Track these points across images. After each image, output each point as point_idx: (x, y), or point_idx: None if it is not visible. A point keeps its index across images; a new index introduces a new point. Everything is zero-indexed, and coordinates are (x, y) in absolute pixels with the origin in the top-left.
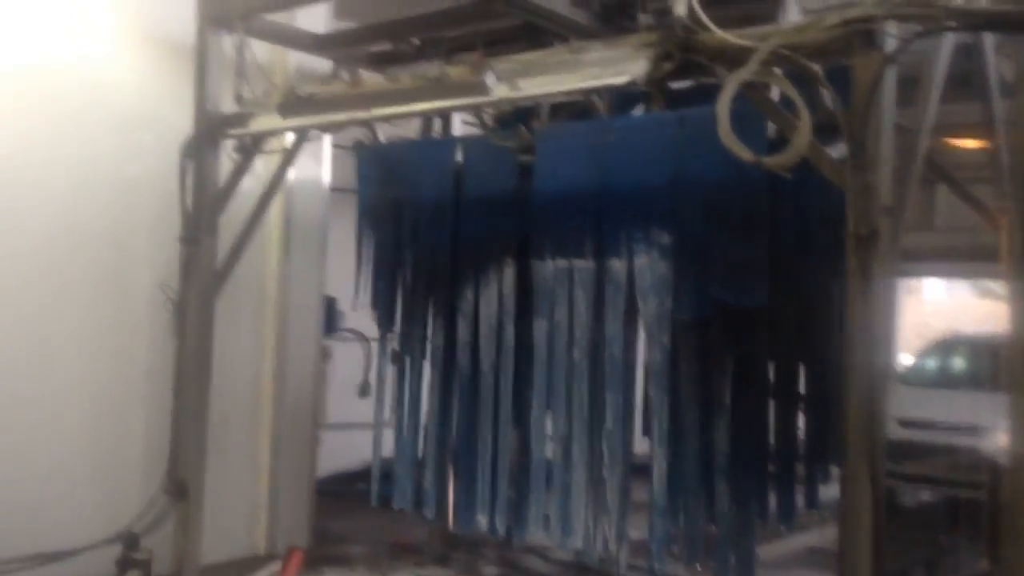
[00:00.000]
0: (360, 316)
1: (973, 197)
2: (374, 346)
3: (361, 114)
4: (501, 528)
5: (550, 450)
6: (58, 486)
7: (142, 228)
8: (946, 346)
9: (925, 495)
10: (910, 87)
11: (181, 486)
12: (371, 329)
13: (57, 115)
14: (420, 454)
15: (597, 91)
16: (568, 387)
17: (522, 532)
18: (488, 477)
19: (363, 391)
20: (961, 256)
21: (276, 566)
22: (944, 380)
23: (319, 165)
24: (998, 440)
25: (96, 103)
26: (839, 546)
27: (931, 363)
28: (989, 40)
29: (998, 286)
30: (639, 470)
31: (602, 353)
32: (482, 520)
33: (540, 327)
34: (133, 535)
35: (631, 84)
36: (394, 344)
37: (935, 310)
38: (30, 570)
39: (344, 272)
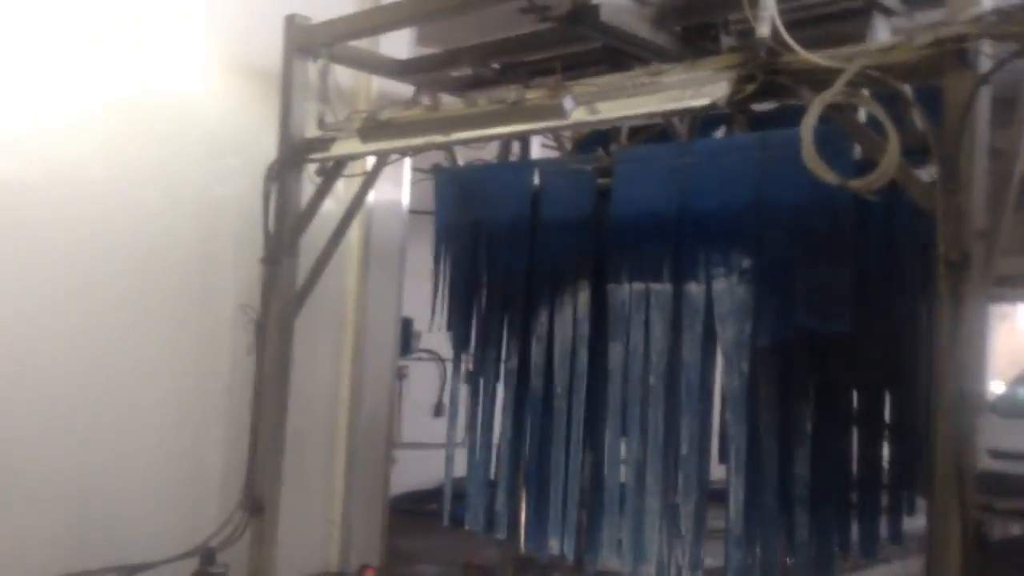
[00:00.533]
0: (436, 337)
1: None
2: (449, 367)
3: (439, 138)
4: (571, 552)
5: (624, 475)
6: (140, 500)
7: (226, 249)
8: None
9: (1017, 529)
10: (1006, 108)
11: (257, 502)
12: (446, 350)
13: (149, 140)
14: (492, 476)
15: (677, 113)
16: (643, 412)
17: (594, 557)
18: (560, 500)
19: (438, 411)
20: None
21: None
22: None
23: (398, 188)
24: None
25: (186, 129)
26: None
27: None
28: None
29: None
30: (715, 496)
31: (678, 378)
32: (554, 544)
33: (616, 351)
34: (210, 549)
35: (712, 107)
36: (469, 365)
37: None
38: None
39: (420, 293)
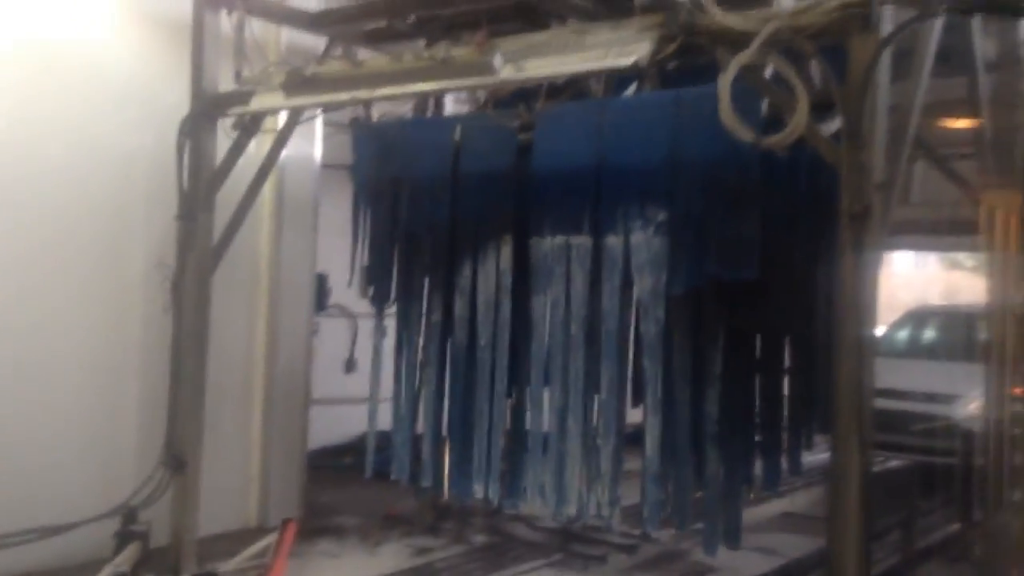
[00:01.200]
0: (345, 293)
1: (954, 173)
2: (359, 322)
3: (364, 94)
4: (496, 496)
5: (546, 421)
6: (53, 459)
7: (138, 205)
8: (916, 317)
9: (895, 462)
10: (902, 61)
11: (179, 460)
12: (357, 305)
13: (54, 90)
14: (417, 427)
15: (602, 72)
16: (565, 360)
17: (517, 500)
18: (484, 448)
19: (349, 367)
20: (935, 229)
21: (272, 537)
22: (915, 350)
23: (311, 142)
24: (968, 408)
25: (93, 79)
26: (828, 509)
27: (902, 334)
28: (976, 19)
29: (967, 258)
30: (630, 440)
31: (598, 327)
32: (478, 489)
33: (538, 302)
34: (132, 508)
35: (635, 66)
36: (391, 319)
37: (904, 282)
38: (31, 543)
39: (332, 249)
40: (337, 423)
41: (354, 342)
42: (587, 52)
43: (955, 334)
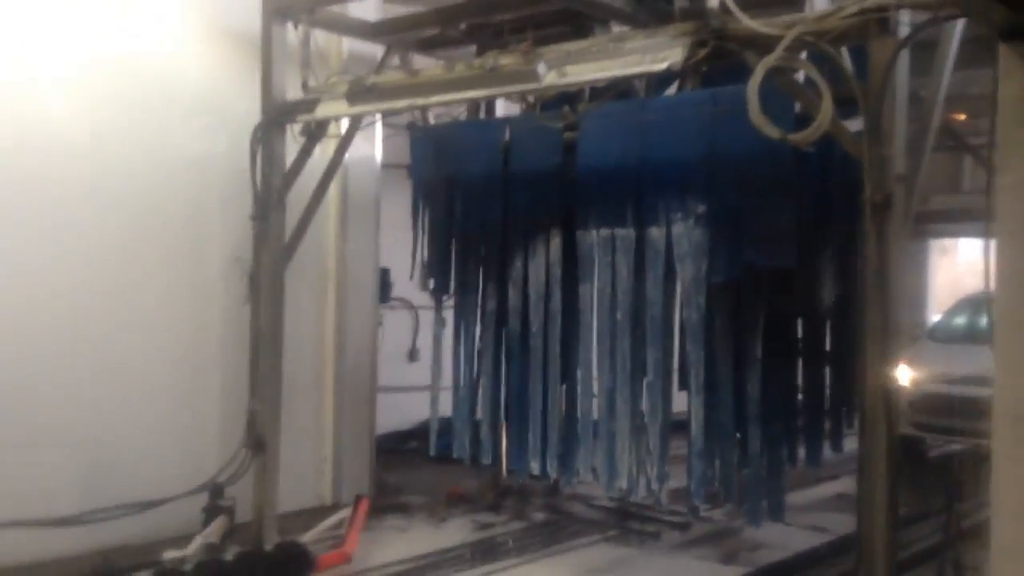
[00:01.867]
0: (406, 285)
1: (987, 160)
2: (420, 314)
3: (420, 101)
4: (553, 471)
5: (597, 402)
6: (145, 444)
7: (214, 206)
8: (972, 303)
9: (955, 446)
10: (927, 53)
11: (259, 441)
12: (418, 298)
13: (135, 102)
14: (476, 410)
15: (638, 76)
16: (612, 345)
17: (570, 477)
18: (539, 428)
19: (412, 356)
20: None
21: (346, 512)
22: (971, 335)
23: (371, 145)
24: None
25: (171, 91)
26: (858, 493)
27: (958, 320)
28: None
29: None
30: (676, 427)
31: (643, 314)
32: (535, 465)
33: (585, 291)
34: (218, 485)
35: (668, 70)
36: (450, 310)
37: (969, 270)
38: (129, 516)
39: (393, 244)
40: (401, 410)
41: (416, 333)
42: (624, 58)
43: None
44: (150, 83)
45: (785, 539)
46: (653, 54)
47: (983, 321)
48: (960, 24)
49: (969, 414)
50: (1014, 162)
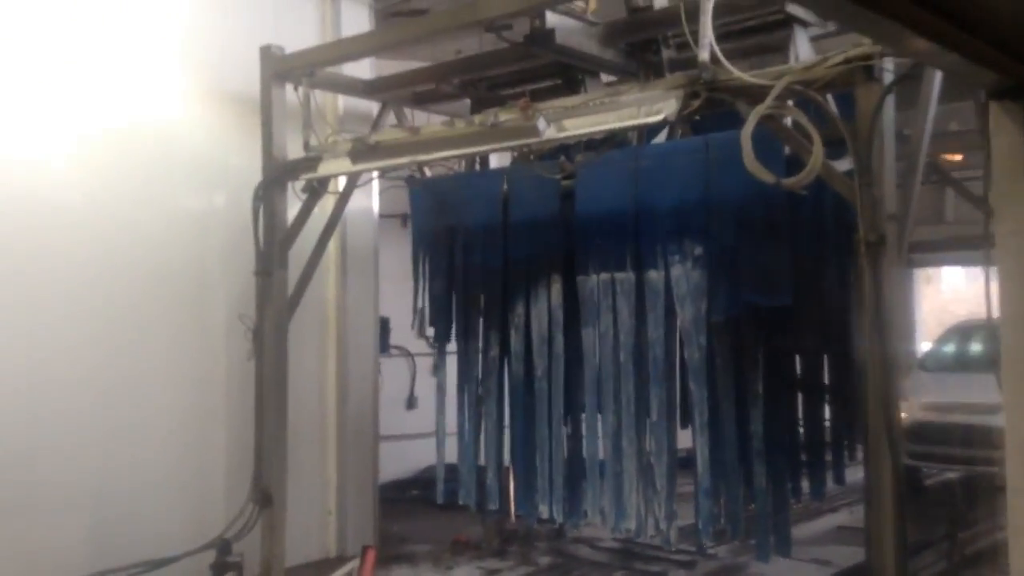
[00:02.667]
0: (404, 333)
1: (971, 193)
2: (418, 361)
3: (422, 157)
4: (560, 515)
5: (602, 444)
6: (151, 501)
7: (216, 264)
8: (962, 331)
9: (951, 474)
10: (907, 87)
11: (266, 495)
12: (415, 345)
13: (136, 166)
14: (481, 456)
15: (634, 128)
16: (616, 387)
17: (577, 521)
18: (547, 472)
19: (410, 404)
20: (974, 245)
21: (354, 564)
22: (961, 363)
23: (369, 197)
24: None
25: (171, 154)
26: (866, 522)
27: (948, 348)
28: None
29: None
30: (681, 464)
31: (645, 354)
32: (543, 510)
33: (588, 335)
34: (226, 541)
35: (664, 122)
36: (452, 356)
37: (955, 297)
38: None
39: (390, 293)
40: (401, 458)
41: (414, 380)
42: (620, 111)
43: (998, 345)
44: (153, 148)
45: (790, 573)
46: (648, 106)
47: (973, 349)
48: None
49: (964, 442)
50: (1010, 212)
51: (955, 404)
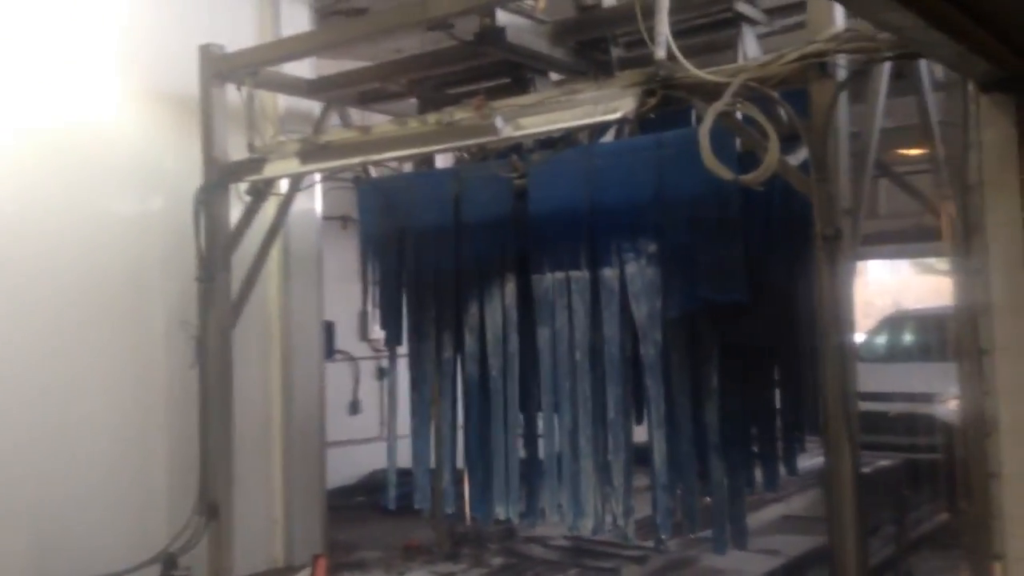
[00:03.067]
0: (346, 338)
1: (913, 188)
2: (361, 365)
3: (375, 157)
4: (516, 516)
5: (559, 442)
6: (90, 514)
7: (155, 269)
8: (893, 322)
9: (883, 461)
10: (859, 81)
11: (213, 506)
12: (358, 350)
13: (66, 169)
14: (436, 458)
15: (592, 126)
16: (572, 385)
17: (533, 520)
18: (503, 472)
19: (353, 409)
20: (904, 238)
21: (305, 573)
22: (894, 354)
23: (312, 199)
24: (947, 405)
25: (106, 156)
26: (826, 508)
27: (881, 339)
28: None
29: (938, 263)
30: (636, 460)
31: (601, 352)
32: (500, 511)
33: (543, 334)
34: (171, 555)
35: (623, 120)
36: (408, 359)
37: (879, 289)
38: None
39: (332, 296)
40: (346, 463)
41: (357, 385)
42: (577, 109)
43: (930, 335)
44: (88, 149)
45: (741, 564)
46: (605, 104)
47: (906, 339)
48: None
49: (900, 430)
50: (1001, 202)
51: (893, 393)
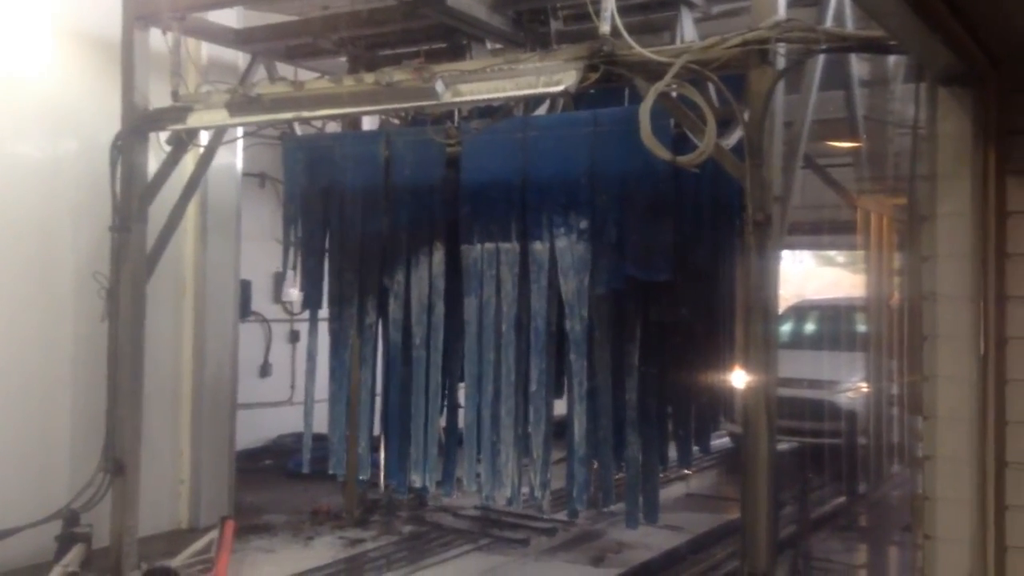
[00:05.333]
0: (259, 299)
1: (834, 180)
2: (274, 328)
3: (307, 113)
4: (432, 485)
5: (480, 414)
6: None
7: (65, 218)
8: (798, 311)
9: (784, 445)
10: (791, 75)
11: (118, 463)
12: (270, 311)
13: None
14: (352, 425)
15: (533, 97)
16: (496, 356)
17: (450, 488)
18: (421, 441)
19: (263, 372)
20: (815, 230)
21: (212, 535)
22: (797, 341)
23: (233, 154)
24: (848, 392)
25: (18, 96)
26: (742, 485)
27: (785, 327)
28: None
29: (839, 256)
30: (555, 432)
31: (527, 325)
32: (416, 479)
33: (470, 304)
34: (73, 511)
35: (564, 92)
36: (328, 323)
37: (784, 279)
38: None
39: (246, 256)
40: (253, 426)
41: (268, 348)
42: (519, 79)
43: (833, 325)
44: None
45: (645, 539)
46: (547, 76)
47: (808, 328)
48: (821, 57)
49: (796, 415)
50: (952, 193)
51: (795, 379)
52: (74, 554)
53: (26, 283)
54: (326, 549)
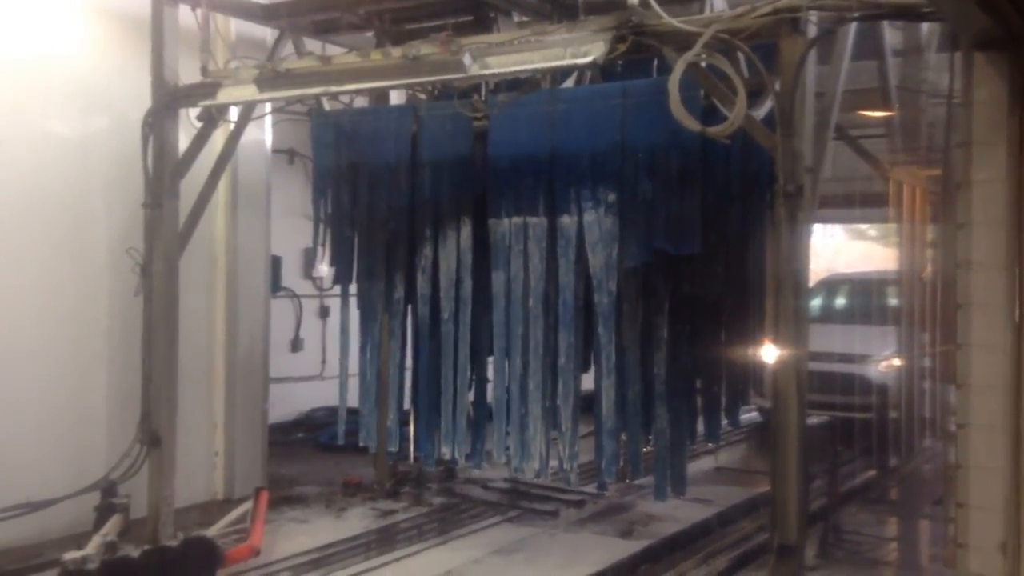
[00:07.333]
0: (290, 274)
1: (866, 151)
2: (304, 303)
3: (335, 88)
4: (462, 458)
5: (509, 386)
6: (30, 445)
7: (98, 194)
8: (829, 285)
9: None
10: (823, 45)
11: (155, 435)
12: (301, 287)
13: (7, 87)
14: (382, 398)
15: (561, 68)
16: (525, 331)
17: (479, 460)
18: (450, 414)
19: (295, 346)
20: (847, 203)
21: (247, 505)
22: (828, 315)
23: (262, 130)
24: (879, 366)
25: (48, 74)
26: (772, 459)
27: (815, 301)
28: None
29: (870, 229)
30: (583, 406)
31: (555, 299)
32: (445, 451)
33: (498, 278)
34: (111, 482)
35: (593, 64)
36: (356, 298)
37: (814, 252)
38: (18, 519)
39: (277, 231)
40: (285, 400)
41: (299, 323)
42: (547, 51)
43: (864, 299)
44: (27, 66)
45: (674, 512)
46: (575, 47)
47: (839, 302)
48: (854, 25)
49: (827, 389)
50: (988, 160)
51: (827, 353)
52: (112, 524)
53: (61, 260)
54: (358, 520)
